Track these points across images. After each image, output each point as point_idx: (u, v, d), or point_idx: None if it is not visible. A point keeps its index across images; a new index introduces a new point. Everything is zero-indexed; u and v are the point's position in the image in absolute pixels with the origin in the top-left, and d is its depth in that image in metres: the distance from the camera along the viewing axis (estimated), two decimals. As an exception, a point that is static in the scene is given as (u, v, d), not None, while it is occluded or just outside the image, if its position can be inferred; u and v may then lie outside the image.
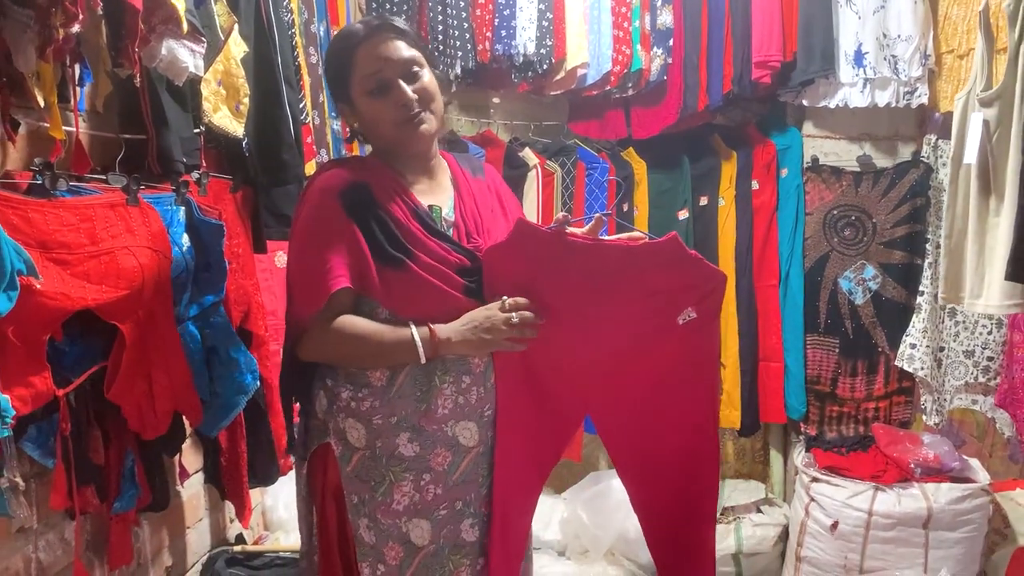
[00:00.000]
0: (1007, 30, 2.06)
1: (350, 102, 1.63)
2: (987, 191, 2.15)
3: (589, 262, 1.61)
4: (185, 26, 1.59)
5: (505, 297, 1.57)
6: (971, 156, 2.13)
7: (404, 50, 1.58)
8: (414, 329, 1.55)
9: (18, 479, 1.41)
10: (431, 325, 1.56)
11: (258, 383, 2.08)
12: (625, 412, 1.73)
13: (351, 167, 1.63)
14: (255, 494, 2.55)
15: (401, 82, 1.56)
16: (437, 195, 1.68)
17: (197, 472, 2.23)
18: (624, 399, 1.72)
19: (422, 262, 1.56)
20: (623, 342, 1.66)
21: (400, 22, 1.64)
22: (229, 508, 2.43)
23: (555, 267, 1.61)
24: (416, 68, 1.59)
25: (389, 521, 1.61)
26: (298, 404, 1.75)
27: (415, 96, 1.57)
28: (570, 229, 1.65)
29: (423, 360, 1.55)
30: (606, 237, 1.70)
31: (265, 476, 2.28)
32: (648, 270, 1.61)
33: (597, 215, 1.67)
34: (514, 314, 1.56)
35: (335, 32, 2.78)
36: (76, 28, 1.36)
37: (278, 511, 2.77)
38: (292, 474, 2.53)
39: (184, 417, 1.84)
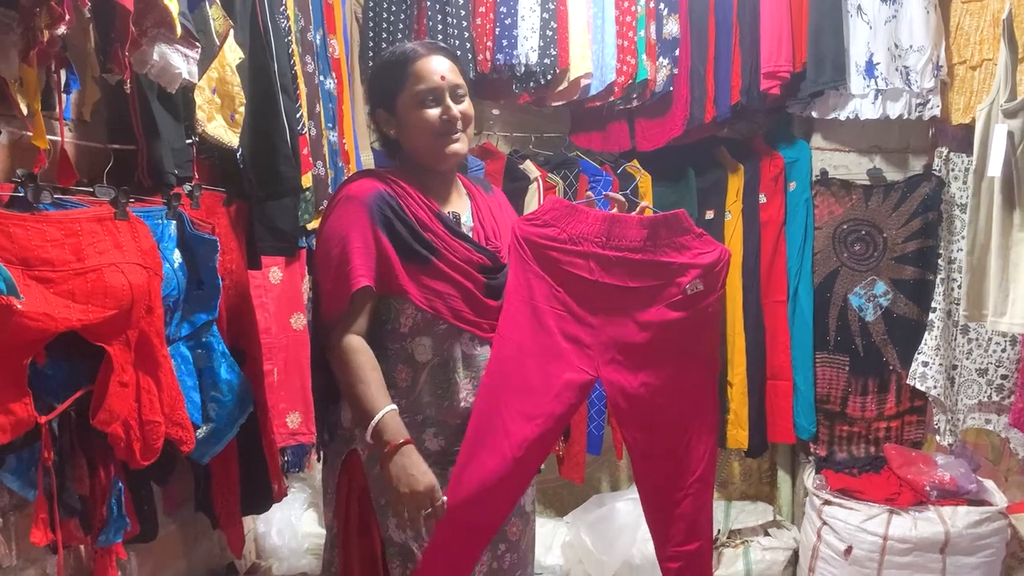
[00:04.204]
0: (1032, 39, 1.99)
1: (393, 111, 1.74)
2: (1011, 205, 2.08)
3: (611, 232, 1.77)
4: (179, 30, 1.50)
5: (443, 500, 1.62)
6: (995, 169, 2.06)
7: (456, 73, 1.73)
8: (381, 415, 1.58)
9: (-5, 514, 1.31)
10: (395, 430, 1.58)
11: (252, 407, 1.99)
12: (634, 373, 1.82)
13: (377, 177, 1.72)
14: (247, 521, 2.44)
15: (449, 100, 1.70)
16: (456, 205, 1.81)
17: (187, 500, 2.12)
18: (634, 361, 1.81)
19: (447, 259, 1.68)
20: (634, 305, 1.79)
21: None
22: (220, 537, 2.32)
23: (580, 236, 1.77)
24: (462, 92, 1.73)
25: None
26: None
27: (459, 115, 1.71)
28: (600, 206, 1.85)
29: (368, 437, 1.59)
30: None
31: (259, 503, 2.18)
32: (661, 241, 1.77)
33: (616, 196, 1.85)
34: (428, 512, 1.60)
35: (332, 40, 2.70)
36: (62, 30, 1.28)
37: (271, 538, 2.67)
38: (287, 499, 2.44)
39: (175, 444, 1.74)
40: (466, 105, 1.74)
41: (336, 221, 1.66)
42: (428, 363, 1.71)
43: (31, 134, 1.40)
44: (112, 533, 1.64)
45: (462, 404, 1.72)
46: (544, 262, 1.77)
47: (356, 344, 1.63)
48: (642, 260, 1.76)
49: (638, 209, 1.82)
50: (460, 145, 1.73)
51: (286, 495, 2.31)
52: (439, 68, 1.70)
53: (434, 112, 1.69)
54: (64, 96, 1.51)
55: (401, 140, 1.77)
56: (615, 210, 1.86)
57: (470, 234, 1.77)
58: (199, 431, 1.80)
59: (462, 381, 1.72)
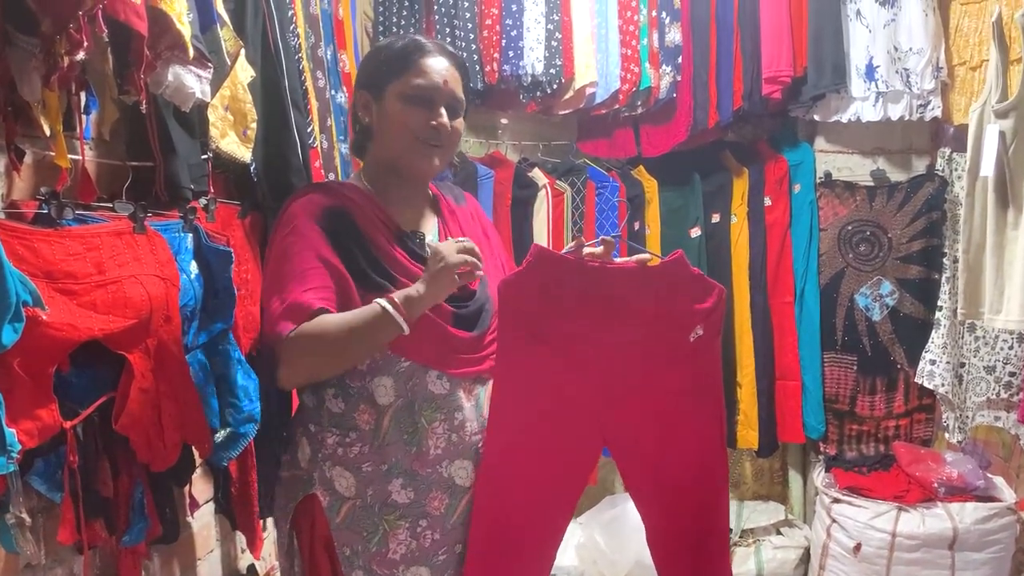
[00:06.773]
0: (1020, 40, 2.03)
1: (379, 97, 1.59)
2: (1004, 204, 2.12)
3: (604, 286, 1.60)
4: (191, 52, 1.57)
5: (463, 239, 1.50)
6: (987, 168, 2.10)
7: (458, 87, 1.61)
8: (381, 301, 1.42)
9: (24, 515, 1.38)
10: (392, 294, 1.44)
11: (269, 411, 2.05)
12: (641, 435, 1.69)
13: (330, 191, 1.59)
14: (266, 524, 2.50)
15: (443, 108, 1.57)
16: (421, 222, 1.66)
17: (207, 502, 2.19)
18: (640, 421, 1.68)
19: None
20: (638, 364, 1.64)
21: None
22: (240, 539, 2.39)
23: (572, 292, 1.59)
24: (458, 107, 1.61)
25: (385, 571, 1.55)
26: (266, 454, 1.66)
27: (447, 126, 1.57)
28: (586, 249, 1.62)
29: (405, 329, 1.40)
30: (618, 258, 1.67)
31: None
32: (659, 291, 1.61)
33: (606, 238, 1.64)
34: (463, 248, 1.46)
35: (342, 55, 2.78)
36: (81, 55, 1.35)
37: (290, 540, 2.73)
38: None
39: (194, 447, 1.81)
40: (458, 122, 1.61)
41: (286, 241, 1.50)
42: (391, 406, 1.53)
43: (53, 154, 1.46)
44: (136, 534, 1.70)
45: (432, 452, 1.54)
46: (536, 326, 1.60)
47: (305, 324, 1.41)
48: (640, 314, 1.61)
49: (636, 259, 1.64)
50: (436, 160, 1.60)
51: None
52: (446, 75, 1.57)
53: (422, 113, 1.55)
54: (84, 117, 1.57)
55: (375, 131, 1.61)
56: (601, 249, 1.64)
57: None
58: (217, 435, 1.87)
59: (430, 425, 1.53)
